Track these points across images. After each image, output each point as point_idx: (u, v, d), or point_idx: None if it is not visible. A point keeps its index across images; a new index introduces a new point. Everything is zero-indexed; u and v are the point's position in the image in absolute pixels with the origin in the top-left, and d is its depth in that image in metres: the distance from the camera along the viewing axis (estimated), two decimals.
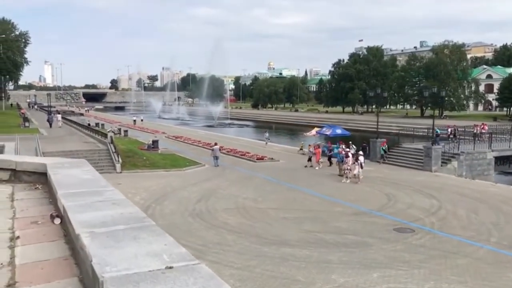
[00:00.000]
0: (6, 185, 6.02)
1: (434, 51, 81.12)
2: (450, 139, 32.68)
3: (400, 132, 34.80)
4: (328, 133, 33.92)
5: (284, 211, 17.86)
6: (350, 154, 25.71)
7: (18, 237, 3.79)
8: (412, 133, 35.67)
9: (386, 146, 31.00)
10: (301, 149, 33.87)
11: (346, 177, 24.33)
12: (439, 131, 32.68)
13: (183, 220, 16.24)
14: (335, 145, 32.03)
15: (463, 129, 35.33)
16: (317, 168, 28.25)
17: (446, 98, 57.00)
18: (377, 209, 18.19)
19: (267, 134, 42.67)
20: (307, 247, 13.37)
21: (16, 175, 6.16)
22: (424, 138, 35.04)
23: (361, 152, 27.00)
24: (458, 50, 79.10)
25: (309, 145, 30.55)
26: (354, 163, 24.67)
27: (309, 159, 28.97)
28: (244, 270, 11.61)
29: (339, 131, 34.24)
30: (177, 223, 15.79)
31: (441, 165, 28.03)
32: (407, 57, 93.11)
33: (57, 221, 4.10)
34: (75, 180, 4.84)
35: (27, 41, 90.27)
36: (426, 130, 35.18)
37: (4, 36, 77.10)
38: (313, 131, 36.54)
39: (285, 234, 14.73)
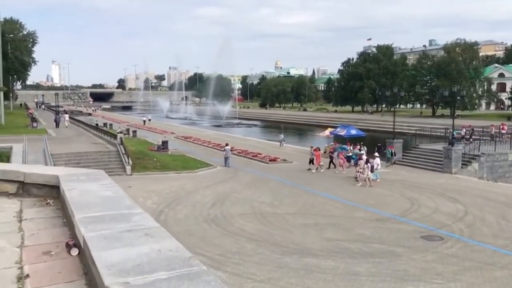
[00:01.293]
0: (14, 199, 5.28)
1: (446, 50, 79.92)
2: (464, 140, 31.39)
3: (417, 132, 33.73)
4: (342, 133, 32.94)
5: (303, 216, 17.06)
6: (364, 157, 24.68)
7: (27, 276, 3.05)
8: (429, 133, 34.61)
9: (394, 150, 29.68)
10: (325, 152, 31.98)
11: (359, 180, 23.44)
12: (455, 133, 31.28)
13: (197, 226, 15.49)
14: (338, 146, 31.09)
15: (482, 130, 34.33)
16: (314, 171, 26.75)
17: (458, 97, 55.75)
18: (400, 215, 17.34)
19: (282, 136, 40.57)
20: (331, 257, 12.56)
21: (24, 188, 5.42)
22: (438, 139, 33.92)
23: (376, 154, 26.02)
24: (470, 48, 77.91)
25: (311, 147, 29.28)
26: (365, 165, 23.64)
27: (311, 162, 27.48)
28: (267, 283, 10.83)
29: (353, 132, 33.26)
30: (192, 229, 15.04)
31: (461, 167, 27.11)
32: (418, 56, 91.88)
33: (75, 251, 3.35)
34: (94, 199, 4.08)
35: (35, 41, 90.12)
36: (444, 130, 34.18)
37: (12, 35, 76.86)
38: (327, 132, 35.56)
39: (306, 242, 13.93)
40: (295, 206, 18.53)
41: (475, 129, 35.97)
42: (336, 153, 29.25)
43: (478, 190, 22.28)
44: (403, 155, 30.85)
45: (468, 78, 75.10)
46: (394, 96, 40.24)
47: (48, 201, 5.18)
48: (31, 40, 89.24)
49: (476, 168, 27.25)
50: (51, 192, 5.27)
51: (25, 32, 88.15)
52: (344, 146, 31.00)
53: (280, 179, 24.75)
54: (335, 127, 41.49)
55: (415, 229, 15.54)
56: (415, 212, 17.80)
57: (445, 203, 19.29)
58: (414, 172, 27.11)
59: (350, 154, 29.24)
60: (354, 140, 32.84)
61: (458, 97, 44.79)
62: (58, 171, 5.40)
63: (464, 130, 35.21)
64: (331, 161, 28.14)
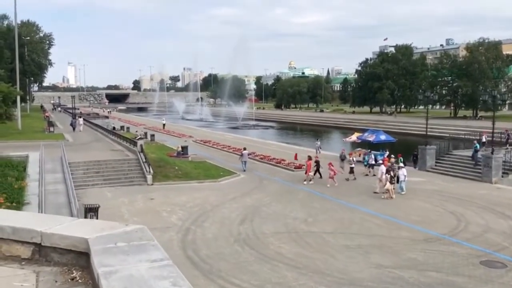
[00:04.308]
0: (27, 269, 3.86)
1: (468, 49, 77.53)
2: (485, 147, 28.56)
3: (452, 136, 31.81)
4: (371, 139, 31.12)
5: (342, 236, 15.56)
6: (383, 166, 22.50)
7: None
8: (462, 137, 32.68)
9: (402, 158, 27.46)
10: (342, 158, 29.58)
11: (379, 191, 21.83)
12: (478, 147, 28.36)
13: (229, 248, 14.11)
14: (365, 151, 29.36)
15: None
16: (305, 182, 24.51)
17: (500, 102, 52.81)
18: (449, 234, 15.75)
19: (318, 143, 36.50)
20: None
21: (41, 252, 4.03)
22: (467, 142, 31.77)
23: (402, 164, 24.00)
24: (494, 48, 75.51)
25: (308, 156, 27.09)
26: (381, 176, 21.86)
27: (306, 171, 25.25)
28: None
29: (383, 137, 31.44)
30: (224, 253, 13.67)
31: (502, 176, 25.32)
32: (439, 55, 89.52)
33: None
34: None
35: (51, 43, 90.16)
36: (478, 134, 32.25)
37: (28, 38, 76.68)
38: (354, 137, 33.77)
39: (353, 270, 12.45)
40: (332, 224, 17.03)
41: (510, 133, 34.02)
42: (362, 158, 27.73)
43: None
44: (436, 162, 29.12)
45: (491, 78, 72.91)
46: (427, 99, 38.39)
47: (74, 273, 3.79)
48: (48, 42, 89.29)
49: None
50: (77, 260, 3.86)
51: (41, 34, 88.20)
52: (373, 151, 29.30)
53: (309, 189, 23.30)
54: (359, 130, 39.82)
55: (471, 252, 13.96)
56: (465, 231, 16.19)
57: (495, 219, 17.63)
58: (451, 182, 25.40)
59: (353, 165, 26.23)
60: (372, 147, 30.97)
61: (500, 102, 42.21)
62: (86, 231, 4.01)
63: (485, 136, 32.10)
64: (317, 170, 25.46)
